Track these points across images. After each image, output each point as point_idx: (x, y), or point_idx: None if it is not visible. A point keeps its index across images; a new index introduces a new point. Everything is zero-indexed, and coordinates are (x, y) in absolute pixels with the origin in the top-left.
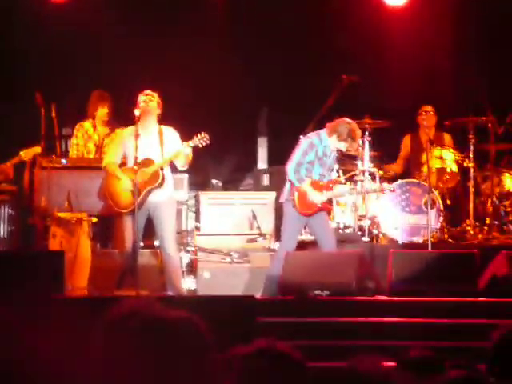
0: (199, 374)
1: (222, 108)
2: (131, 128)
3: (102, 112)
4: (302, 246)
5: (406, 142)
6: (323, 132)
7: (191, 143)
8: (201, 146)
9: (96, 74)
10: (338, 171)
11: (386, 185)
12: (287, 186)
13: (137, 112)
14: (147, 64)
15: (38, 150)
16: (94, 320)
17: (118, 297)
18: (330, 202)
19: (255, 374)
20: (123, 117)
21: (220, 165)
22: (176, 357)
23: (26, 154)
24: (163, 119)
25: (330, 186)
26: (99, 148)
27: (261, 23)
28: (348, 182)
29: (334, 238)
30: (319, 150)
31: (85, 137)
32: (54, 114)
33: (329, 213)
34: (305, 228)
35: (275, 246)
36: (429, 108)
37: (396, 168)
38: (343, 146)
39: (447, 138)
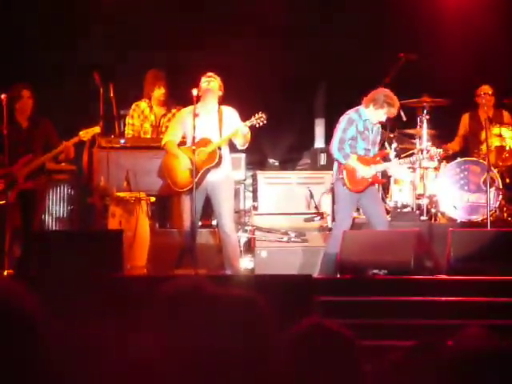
0: (260, 353)
1: (280, 86)
2: (191, 107)
3: (159, 92)
4: (356, 226)
5: (465, 120)
6: (361, 107)
7: (248, 123)
8: (258, 125)
9: (152, 54)
10: (395, 150)
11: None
12: (335, 165)
13: (194, 92)
14: (204, 44)
15: (97, 130)
16: (154, 298)
17: (177, 276)
18: (384, 177)
19: (306, 351)
20: (180, 97)
21: (277, 144)
22: (238, 335)
23: (85, 134)
24: (222, 100)
25: (378, 159)
26: (155, 128)
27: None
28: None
29: (386, 215)
30: (359, 124)
31: (141, 117)
32: (112, 94)
33: (384, 189)
34: (358, 210)
35: (332, 225)
36: (487, 89)
37: (454, 146)
38: (382, 114)
39: (506, 115)
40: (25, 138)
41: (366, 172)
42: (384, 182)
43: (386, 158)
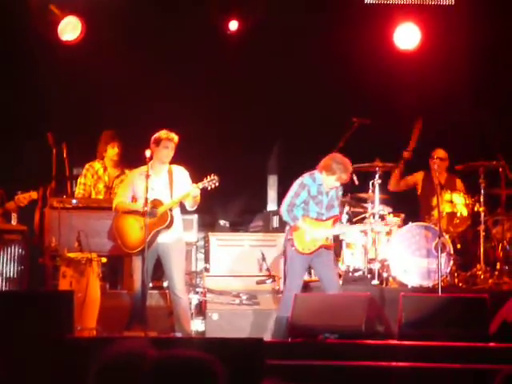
0: None
1: (232, 147)
2: (140, 169)
3: (112, 152)
4: (309, 289)
5: (418, 177)
6: (316, 171)
7: (200, 185)
8: (210, 188)
9: (107, 114)
10: (347, 213)
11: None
12: (287, 227)
13: (148, 153)
14: (156, 103)
15: (34, 195)
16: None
17: (127, 337)
18: (336, 241)
19: None
20: (132, 158)
21: (229, 206)
22: None
23: (21, 199)
24: (173, 158)
25: (328, 223)
26: (109, 189)
27: (274, 61)
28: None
29: (338, 279)
30: (312, 188)
31: (94, 177)
32: (65, 155)
33: (336, 253)
34: (310, 273)
35: (283, 288)
36: (440, 153)
37: (394, 184)
38: (334, 180)
39: (459, 182)
40: None
41: (315, 235)
42: (334, 247)
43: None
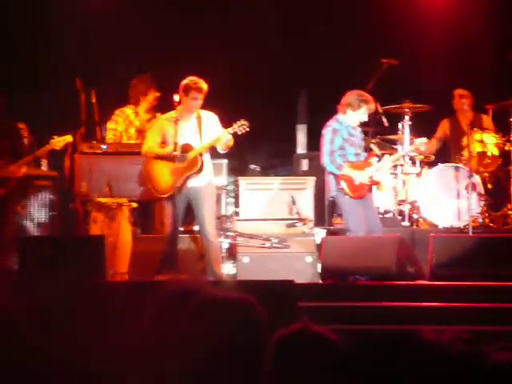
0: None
1: (261, 92)
2: (170, 114)
3: (153, 96)
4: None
5: (445, 125)
6: (339, 115)
7: (230, 130)
8: (240, 133)
9: (132, 60)
10: (370, 147)
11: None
12: (331, 179)
13: (176, 98)
14: (185, 49)
15: (69, 138)
16: (136, 304)
17: (160, 282)
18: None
19: (291, 355)
20: (164, 103)
21: (258, 150)
22: (233, 334)
23: (56, 143)
24: (202, 104)
25: (369, 161)
26: (141, 133)
27: (299, 6)
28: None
29: (379, 220)
30: (343, 132)
31: (126, 122)
32: (93, 100)
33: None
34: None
35: (314, 231)
36: (462, 91)
37: (429, 147)
38: (362, 114)
39: (486, 119)
40: None
41: (362, 177)
42: (379, 183)
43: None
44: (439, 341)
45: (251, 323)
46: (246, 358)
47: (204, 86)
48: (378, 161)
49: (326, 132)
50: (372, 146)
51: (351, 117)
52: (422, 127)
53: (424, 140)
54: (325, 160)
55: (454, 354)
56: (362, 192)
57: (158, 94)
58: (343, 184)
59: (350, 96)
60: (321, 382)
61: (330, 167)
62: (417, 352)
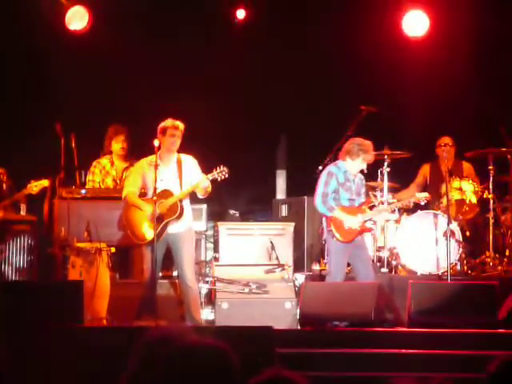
0: None
1: (241, 137)
2: (149, 158)
3: (117, 147)
4: (318, 278)
5: (425, 170)
6: (339, 161)
7: (210, 176)
8: (219, 179)
9: (115, 105)
10: (368, 193)
11: (419, 194)
12: (323, 220)
13: (156, 142)
14: (164, 93)
15: (45, 183)
16: (114, 349)
17: (137, 327)
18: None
19: None
20: (142, 149)
21: (238, 195)
22: (205, 381)
23: (33, 187)
24: (181, 147)
25: (363, 208)
26: (117, 183)
27: (281, 54)
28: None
29: (372, 269)
30: (339, 176)
31: (102, 173)
32: (73, 145)
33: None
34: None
35: (294, 276)
36: (447, 140)
37: (408, 193)
38: (360, 163)
39: (466, 166)
40: None
41: (352, 222)
42: (372, 230)
43: (371, 207)
44: None
45: (223, 370)
46: None
47: (180, 124)
48: (371, 209)
49: (323, 174)
50: (370, 193)
51: (350, 164)
52: (401, 174)
53: (426, 194)
54: (317, 201)
55: None
56: (349, 237)
57: (121, 146)
58: (332, 226)
59: (351, 144)
60: None
61: (322, 208)
62: None
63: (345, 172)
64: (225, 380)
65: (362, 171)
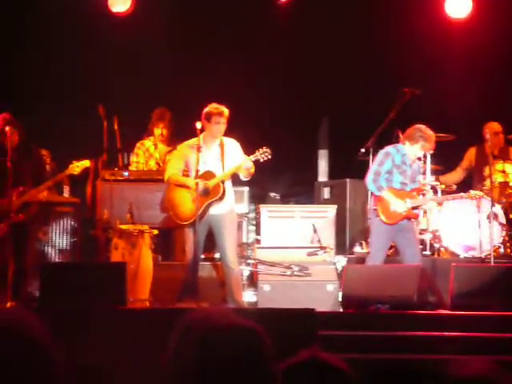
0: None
1: (283, 119)
2: (192, 141)
3: (158, 132)
4: (359, 260)
5: (471, 153)
6: (400, 143)
7: (252, 157)
8: (262, 160)
9: (157, 88)
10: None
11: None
12: (371, 199)
13: (198, 125)
14: (209, 77)
15: (87, 163)
16: (156, 331)
17: (179, 309)
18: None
19: (300, 381)
20: (185, 132)
21: (280, 178)
22: (237, 366)
23: (75, 168)
24: (225, 132)
25: (414, 194)
26: (160, 166)
27: (324, 35)
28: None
29: (419, 252)
30: (396, 158)
31: (146, 155)
32: (116, 127)
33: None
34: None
35: (336, 259)
36: (496, 127)
37: (453, 176)
38: (418, 149)
39: None
40: (12, 170)
41: (399, 205)
42: (417, 217)
43: (422, 194)
44: (465, 372)
45: (253, 352)
46: None
47: (225, 110)
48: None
49: (380, 153)
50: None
51: (408, 148)
52: (445, 157)
53: (480, 193)
54: (368, 178)
55: None
56: (393, 219)
57: (161, 132)
58: (379, 206)
59: (413, 129)
60: None
61: (371, 186)
62: None
63: (403, 155)
64: (254, 362)
65: (419, 158)
